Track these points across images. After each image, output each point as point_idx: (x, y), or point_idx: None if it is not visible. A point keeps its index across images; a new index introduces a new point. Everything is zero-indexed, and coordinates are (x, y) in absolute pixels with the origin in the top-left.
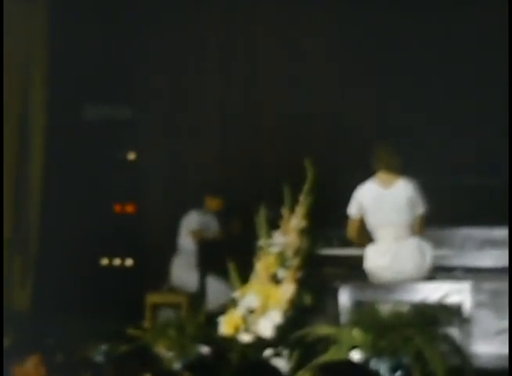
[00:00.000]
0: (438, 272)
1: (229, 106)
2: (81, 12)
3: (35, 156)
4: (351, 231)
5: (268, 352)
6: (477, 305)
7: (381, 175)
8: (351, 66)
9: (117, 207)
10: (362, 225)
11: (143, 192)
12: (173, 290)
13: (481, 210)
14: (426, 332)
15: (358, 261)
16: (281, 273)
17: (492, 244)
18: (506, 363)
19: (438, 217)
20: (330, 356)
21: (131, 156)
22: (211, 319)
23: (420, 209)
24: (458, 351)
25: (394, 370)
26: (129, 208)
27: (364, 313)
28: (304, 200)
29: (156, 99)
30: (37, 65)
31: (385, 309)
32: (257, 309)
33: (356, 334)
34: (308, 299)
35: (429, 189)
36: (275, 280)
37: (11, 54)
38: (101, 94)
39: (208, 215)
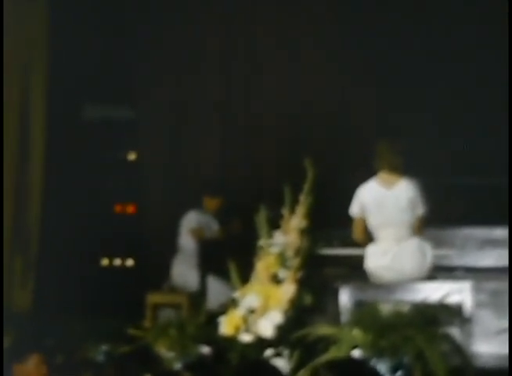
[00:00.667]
0: (439, 272)
1: (229, 106)
2: (81, 11)
3: (35, 156)
4: (357, 232)
5: (268, 352)
6: (478, 304)
7: (383, 175)
8: (351, 66)
9: (118, 208)
10: (366, 226)
11: (143, 192)
12: (173, 290)
13: (481, 210)
14: (426, 332)
15: (359, 261)
16: (281, 273)
17: (493, 243)
18: (506, 363)
19: (439, 217)
20: (331, 355)
21: (132, 156)
22: (212, 320)
23: (420, 210)
24: (459, 351)
25: (394, 369)
26: (129, 208)
27: (364, 313)
28: (304, 200)
29: (157, 100)
30: (37, 65)
31: (386, 308)
32: (258, 309)
33: (357, 333)
34: (308, 299)
35: (429, 188)
36: (276, 280)
37: (11, 54)
38: (101, 94)
39: (208, 215)
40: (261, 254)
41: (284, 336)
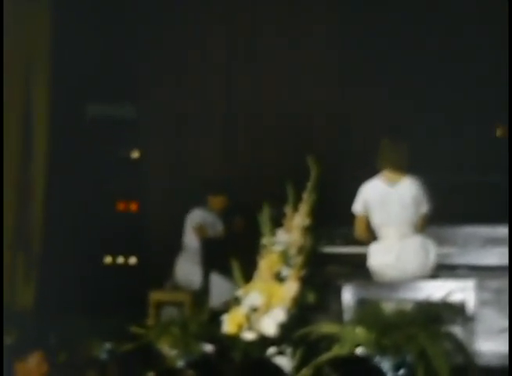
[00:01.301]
0: (442, 270)
1: (231, 105)
2: (83, 10)
3: (38, 154)
4: (359, 230)
5: (271, 350)
6: (481, 303)
7: (387, 173)
8: (352, 66)
9: (121, 206)
10: (368, 224)
11: (146, 190)
12: (176, 288)
13: (484, 208)
14: (429, 330)
15: (362, 259)
16: (284, 271)
17: (496, 241)
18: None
19: (441, 215)
20: (333, 354)
21: (135, 154)
22: (215, 318)
23: (424, 208)
24: (461, 349)
25: (397, 368)
26: (132, 206)
27: (367, 311)
28: (307, 198)
29: (160, 98)
30: (39, 64)
31: (389, 307)
32: (261, 307)
33: (359, 332)
34: (311, 297)
35: (431, 187)
36: (279, 278)
37: (13, 53)
38: (104, 92)
39: (212, 213)
40: (264, 252)
41: (287, 334)
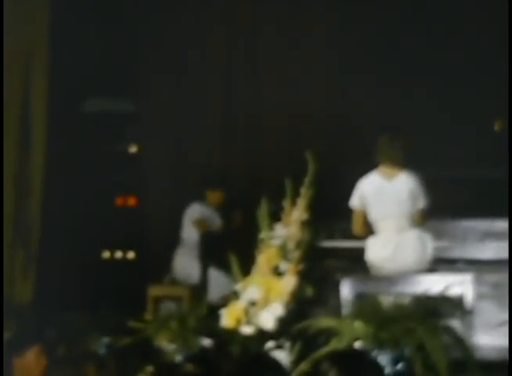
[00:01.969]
0: (440, 264)
1: (231, 102)
2: (83, 4)
3: (37, 149)
4: (357, 225)
5: (269, 344)
6: (479, 296)
7: (384, 168)
8: (352, 66)
9: (119, 200)
10: (365, 218)
11: (145, 185)
12: (175, 282)
13: (482, 202)
14: (427, 324)
15: (360, 253)
16: (283, 266)
17: (494, 235)
18: (507, 355)
19: (439, 209)
20: (332, 348)
21: (133, 149)
22: (213, 312)
23: (421, 203)
24: (460, 343)
25: (395, 362)
26: (131, 201)
27: (365, 305)
28: (305, 193)
29: (158, 92)
30: (38, 61)
31: (386, 301)
32: (259, 301)
33: (358, 326)
34: (309, 291)
35: (429, 181)
36: (277, 273)
37: (12, 47)
38: (103, 87)
39: (210, 208)
40: (262, 246)
41: (285, 328)
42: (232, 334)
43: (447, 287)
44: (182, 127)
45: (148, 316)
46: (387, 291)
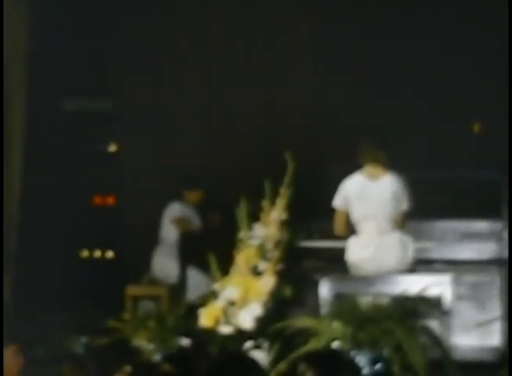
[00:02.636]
0: (419, 264)
1: (212, 103)
2: (62, 4)
3: (15, 147)
4: (338, 225)
5: (248, 344)
6: (457, 297)
7: (368, 169)
8: (338, 64)
9: (98, 199)
10: (347, 219)
11: (123, 184)
12: (153, 282)
13: (460, 203)
14: (406, 324)
15: (339, 253)
16: (261, 265)
17: (472, 236)
18: (485, 356)
19: (419, 210)
20: (310, 348)
21: (112, 148)
22: (191, 311)
23: (404, 205)
24: (438, 343)
25: (374, 362)
26: (109, 200)
27: (344, 306)
28: (284, 193)
29: (137, 91)
30: (15, 60)
31: (365, 301)
32: (238, 301)
33: (336, 326)
34: (288, 291)
35: (409, 183)
36: (256, 272)
37: None
38: (81, 86)
39: (189, 208)
40: (240, 246)
41: (264, 328)
42: (211, 333)
43: (425, 288)
44: (162, 126)
45: (126, 315)
46: (366, 291)
